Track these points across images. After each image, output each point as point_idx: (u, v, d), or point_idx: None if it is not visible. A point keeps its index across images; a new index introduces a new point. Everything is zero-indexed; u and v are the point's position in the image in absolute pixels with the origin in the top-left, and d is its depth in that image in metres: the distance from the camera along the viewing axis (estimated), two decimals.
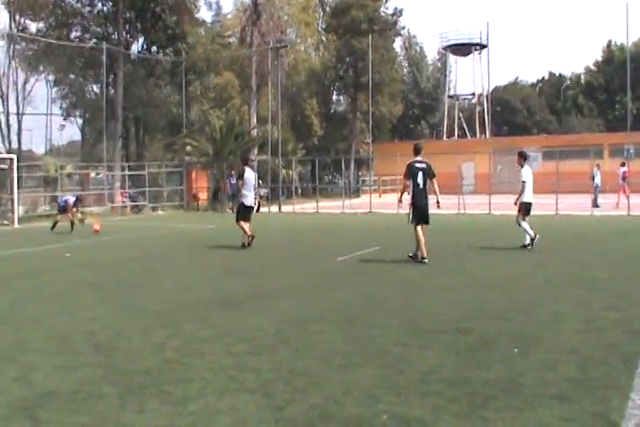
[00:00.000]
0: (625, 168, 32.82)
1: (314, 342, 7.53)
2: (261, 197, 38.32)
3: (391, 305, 9.61)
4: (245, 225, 18.10)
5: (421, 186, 14.36)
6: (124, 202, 38.03)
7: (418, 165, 14.45)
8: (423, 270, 13.14)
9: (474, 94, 71.32)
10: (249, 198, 18.43)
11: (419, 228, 14.25)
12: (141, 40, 44.35)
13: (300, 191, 46.49)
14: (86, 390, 5.94)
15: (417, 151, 14.66)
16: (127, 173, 38.75)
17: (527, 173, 16.54)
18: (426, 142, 60.82)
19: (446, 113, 70.51)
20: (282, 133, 42.57)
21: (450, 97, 72.57)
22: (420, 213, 14.37)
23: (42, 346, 7.58)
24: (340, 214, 32.92)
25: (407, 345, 7.29)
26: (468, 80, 71.55)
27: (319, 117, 56.92)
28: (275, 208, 37.19)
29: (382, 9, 57.77)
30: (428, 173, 14.50)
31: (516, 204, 16.64)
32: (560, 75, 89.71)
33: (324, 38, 60.26)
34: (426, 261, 13.98)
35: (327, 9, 62.33)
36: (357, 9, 53.89)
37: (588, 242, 18.57)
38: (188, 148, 43.17)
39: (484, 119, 65.02)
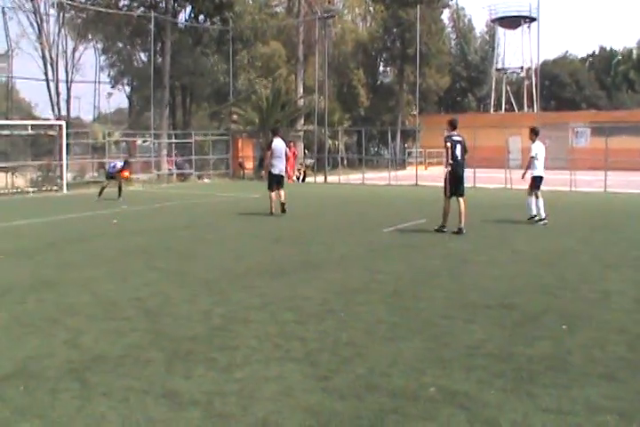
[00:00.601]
0: None
1: (359, 312, 7.56)
2: (307, 167, 38.39)
3: (437, 278, 9.59)
4: (272, 193, 18.74)
5: (460, 158, 14.67)
6: (170, 170, 38.25)
7: (455, 138, 14.68)
8: (469, 244, 13.05)
9: (522, 68, 70.25)
10: (276, 167, 18.93)
11: (451, 199, 14.69)
12: (189, 9, 44.09)
13: (345, 162, 46.32)
14: (134, 355, 6.04)
15: (454, 126, 14.84)
16: (174, 140, 38.88)
17: (537, 147, 16.84)
18: (472, 115, 60.44)
19: (494, 86, 69.60)
20: (328, 104, 42.40)
21: (497, 70, 71.52)
22: (455, 186, 14.72)
23: (89, 311, 7.70)
24: (385, 186, 32.79)
25: (453, 319, 7.28)
26: (517, 53, 70.58)
27: (365, 88, 56.50)
28: (320, 178, 37.17)
29: None
30: (465, 147, 14.86)
31: (523, 178, 16.96)
32: (611, 49, 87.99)
33: (371, 9, 59.61)
34: (445, 229, 14.56)
35: None
36: None
37: (638, 220, 18.24)
38: (235, 116, 43.20)
39: (531, 93, 64.13)
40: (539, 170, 16.83)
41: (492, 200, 23.80)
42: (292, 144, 36.37)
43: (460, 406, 4.90)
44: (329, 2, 51.22)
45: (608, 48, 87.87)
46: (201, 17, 43.99)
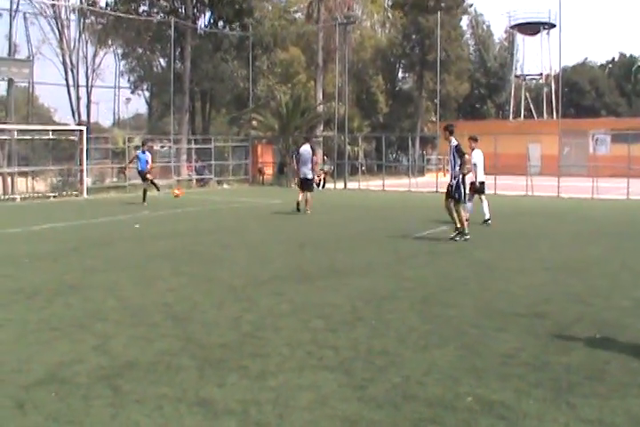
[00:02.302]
0: None
1: (390, 320, 7.47)
2: (326, 173, 38.34)
3: (465, 286, 9.50)
4: (300, 194, 20.64)
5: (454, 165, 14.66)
6: (189, 175, 38.34)
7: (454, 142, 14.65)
8: (494, 252, 12.99)
9: (541, 74, 70.06)
10: (300, 171, 21.07)
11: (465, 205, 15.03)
12: (208, 14, 44.34)
13: (364, 168, 46.27)
14: (165, 362, 5.98)
15: (452, 132, 14.82)
16: (193, 146, 38.99)
17: (477, 155, 17.52)
18: (492, 122, 60.26)
19: (513, 93, 69.37)
20: (347, 110, 42.36)
21: (517, 77, 71.27)
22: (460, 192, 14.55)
23: (116, 316, 7.66)
24: (406, 192, 32.72)
25: (484, 327, 7.19)
26: (536, 60, 70.37)
27: (385, 95, 56.50)
28: (340, 184, 37.12)
29: None
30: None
31: (473, 185, 17.31)
32: (631, 56, 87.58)
33: (390, 15, 59.62)
34: (467, 236, 14.34)
35: None
36: None
37: None
38: (254, 122, 43.22)
39: (551, 100, 63.93)
40: (480, 176, 17.63)
41: (514, 207, 23.67)
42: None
43: (498, 417, 4.80)
44: (348, 8, 51.26)
45: (628, 55, 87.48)
46: (221, 23, 44.19)
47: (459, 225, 14.32)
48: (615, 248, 13.59)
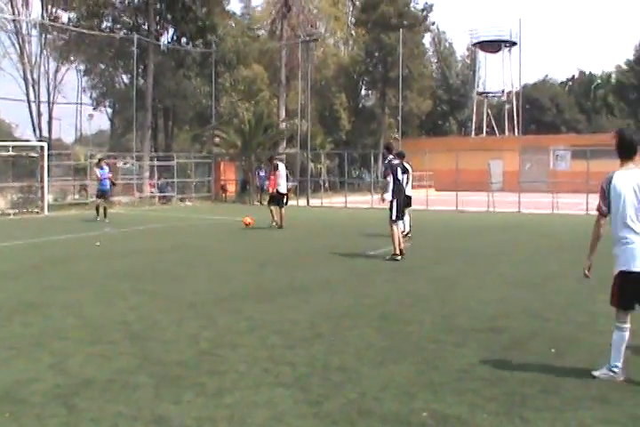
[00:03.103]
0: None
1: (348, 336, 7.51)
2: (289, 191, 38.38)
3: (425, 302, 9.56)
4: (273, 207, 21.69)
5: (400, 181, 14.81)
6: (152, 192, 38.19)
7: (395, 161, 14.95)
8: (455, 268, 13.07)
9: (503, 91, 70.85)
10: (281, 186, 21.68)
11: (399, 223, 14.78)
12: (171, 31, 44.33)
13: (327, 185, 46.40)
14: (122, 380, 5.96)
15: (390, 150, 15.34)
16: (156, 163, 38.86)
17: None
18: (454, 139, 60.76)
19: (475, 110, 70.08)
20: (310, 127, 42.54)
21: (479, 94, 72.03)
22: (399, 209, 14.59)
23: (75, 334, 7.63)
24: (368, 209, 32.86)
25: (442, 343, 7.26)
26: (497, 77, 71.26)
27: (347, 112, 56.73)
28: (302, 202, 37.16)
29: (412, 4, 57.50)
30: (404, 170, 15.49)
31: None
32: (590, 73, 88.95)
33: (353, 32, 60.07)
34: (398, 258, 14.14)
35: (357, 3, 62.09)
36: (387, 4, 53.62)
37: None
38: (217, 139, 43.21)
39: (512, 117, 64.62)
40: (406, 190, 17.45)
41: (475, 223, 23.87)
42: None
43: None
44: (311, 25, 51.56)
45: (587, 72, 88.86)
46: (184, 39, 44.22)
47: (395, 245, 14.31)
48: (573, 263, 13.68)
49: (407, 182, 17.13)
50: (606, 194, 6.11)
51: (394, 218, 14.48)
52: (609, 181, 6.10)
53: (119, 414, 5.15)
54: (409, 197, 17.40)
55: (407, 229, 17.39)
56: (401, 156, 17.66)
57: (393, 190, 14.48)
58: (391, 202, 14.48)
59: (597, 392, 5.64)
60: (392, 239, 14.35)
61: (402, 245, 14.38)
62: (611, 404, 5.39)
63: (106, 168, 25.10)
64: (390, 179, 14.55)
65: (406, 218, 17.26)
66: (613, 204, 6.07)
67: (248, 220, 21.40)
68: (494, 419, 5.07)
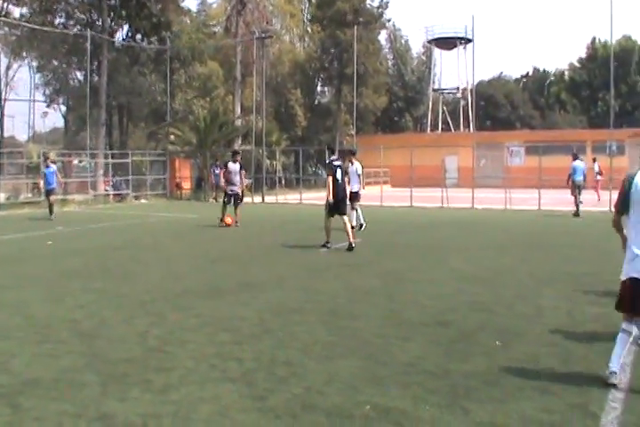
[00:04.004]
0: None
1: (296, 332, 7.56)
2: (245, 187, 38.29)
3: (374, 297, 9.64)
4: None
5: (340, 181, 15.72)
6: (106, 190, 37.83)
7: (336, 162, 15.84)
8: (406, 263, 13.17)
9: (458, 88, 71.40)
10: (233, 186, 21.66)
11: (331, 218, 15.77)
12: (126, 28, 43.96)
13: (283, 182, 46.39)
14: (68, 378, 5.95)
15: (332, 151, 16.36)
16: (110, 160, 38.50)
17: (358, 167, 19.77)
18: (409, 135, 61.08)
19: (430, 106, 70.51)
20: (266, 124, 42.43)
21: (434, 90, 72.52)
22: (335, 206, 15.59)
23: (22, 334, 7.57)
24: (323, 205, 32.87)
25: (389, 337, 7.33)
26: (453, 74, 71.87)
27: (303, 108, 56.69)
28: (258, 198, 37.10)
29: (368, 1, 57.63)
30: (344, 170, 16.27)
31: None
32: (544, 70, 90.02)
33: (308, 29, 60.03)
34: (329, 245, 15.56)
35: (312, 0, 62.14)
36: (343, 1, 53.70)
37: (574, 237, 18.56)
38: (172, 137, 42.97)
39: (467, 113, 65.14)
40: (356, 186, 19.36)
41: (428, 219, 24.05)
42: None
43: (394, 423, 4.94)
44: (267, 22, 51.41)
45: (541, 69, 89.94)
46: (138, 36, 43.87)
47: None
48: (523, 258, 13.94)
49: (357, 180, 19.28)
50: (626, 195, 5.86)
51: (328, 214, 15.77)
52: (629, 182, 5.85)
53: (64, 413, 5.14)
54: (356, 193, 19.10)
55: (355, 222, 18.40)
56: (352, 153, 19.67)
57: (332, 189, 15.46)
58: (327, 200, 15.64)
59: (539, 383, 5.76)
60: (325, 231, 15.75)
61: (330, 237, 15.63)
62: (551, 394, 5.50)
63: (52, 166, 24.85)
64: (330, 179, 15.51)
65: (354, 213, 18.87)
66: (635, 206, 5.82)
67: (229, 220, 21.14)
68: (436, 411, 5.15)
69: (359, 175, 19.68)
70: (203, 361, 6.42)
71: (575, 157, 26.33)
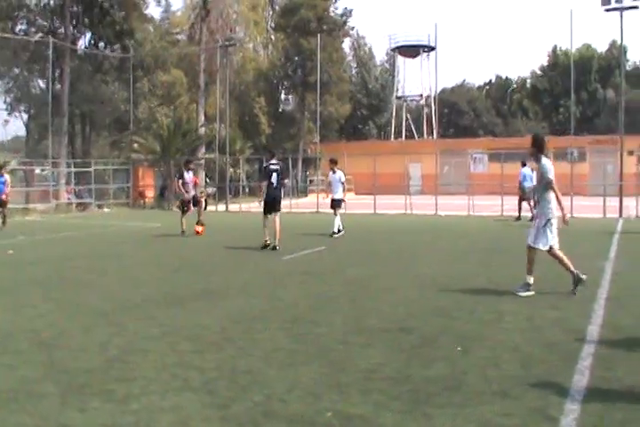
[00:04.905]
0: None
1: (258, 340, 7.54)
2: (208, 196, 38.23)
3: (336, 304, 9.64)
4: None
5: (275, 185, 16.74)
6: (69, 199, 37.54)
7: (272, 166, 16.83)
8: (368, 270, 13.19)
9: (421, 96, 71.82)
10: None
11: (269, 216, 16.81)
12: (88, 35, 43.72)
13: (247, 190, 46.36)
14: (27, 390, 5.86)
15: (272, 156, 17.67)
16: (73, 169, 38.23)
17: (340, 176, 20.52)
18: (373, 143, 61.27)
19: (394, 114, 70.87)
20: (230, 132, 42.42)
21: (398, 98, 72.88)
22: (270, 206, 16.79)
23: None
24: (286, 213, 32.88)
25: (350, 344, 7.34)
26: (416, 81, 72.25)
27: (267, 116, 56.72)
28: (222, 207, 37.02)
29: (331, 9, 57.87)
30: (281, 174, 17.06)
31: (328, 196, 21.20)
32: (506, 78, 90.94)
33: (272, 37, 60.18)
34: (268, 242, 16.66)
35: (276, 8, 62.25)
36: (307, 8, 53.89)
37: None
38: (135, 145, 42.74)
39: (431, 121, 65.58)
40: (338, 193, 20.32)
41: (392, 226, 24.16)
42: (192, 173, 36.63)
43: None
44: (230, 30, 51.45)
45: (504, 77, 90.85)
46: (101, 44, 43.62)
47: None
48: (484, 264, 14.05)
49: (339, 187, 20.37)
50: None
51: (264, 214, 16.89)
52: None
53: (23, 425, 5.07)
54: (338, 200, 20.36)
55: (336, 228, 19.77)
56: (334, 161, 20.75)
57: (266, 192, 16.75)
58: (264, 201, 16.83)
59: (499, 387, 5.80)
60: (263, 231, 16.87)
61: (267, 238, 16.69)
62: (511, 398, 5.55)
63: (6, 176, 24.46)
64: (265, 182, 16.75)
65: (337, 219, 19.96)
66: None
67: (199, 228, 20.98)
68: (397, 417, 5.17)
69: (342, 183, 20.34)
70: (164, 370, 6.39)
71: (524, 164, 26.76)
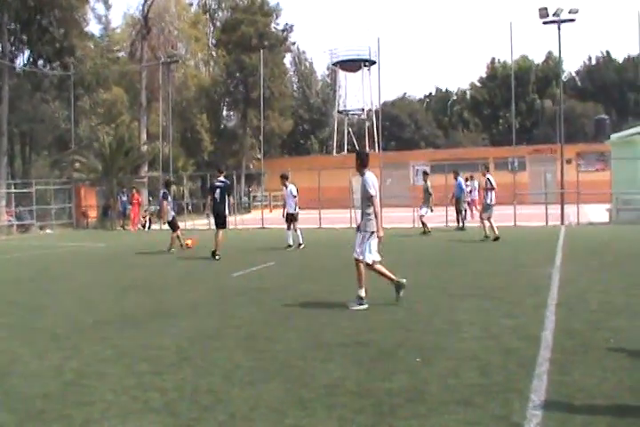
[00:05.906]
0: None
1: (216, 358, 7.47)
2: (152, 215, 37.89)
3: (291, 320, 9.60)
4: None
5: (218, 200, 18.26)
6: (9, 221, 36.86)
7: (217, 183, 18.34)
8: (320, 286, 13.18)
9: (363, 109, 72.29)
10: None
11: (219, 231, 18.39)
12: (27, 53, 43.21)
13: (190, 208, 46.01)
14: None
15: (220, 172, 18.89)
16: (13, 190, 37.57)
17: (293, 190, 21.02)
18: (315, 158, 61.44)
19: (336, 128, 71.16)
20: (172, 149, 42.12)
21: (339, 112, 73.22)
22: (216, 220, 18.53)
23: None
24: (232, 230, 32.73)
25: (310, 359, 7.31)
26: (358, 95, 72.64)
27: (209, 133, 56.54)
28: (166, 225, 36.60)
29: (272, 25, 58.15)
30: (226, 190, 18.47)
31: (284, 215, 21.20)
32: (446, 90, 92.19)
33: (214, 53, 60.09)
34: (217, 257, 17.99)
35: (217, 24, 62.25)
36: (247, 24, 54.02)
37: (482, 252, 18.88)
38: (77, 164, 42.19)
39: (373, 134, 65.99)
40: (292, 207, 20.79)
41: (338, 240, 24.15)
42: (135, 191, 36.43)
43: None
44: (172, 47, 51.26)
45: (444, 89, 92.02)
46: (40, 62, 43.07)
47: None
48: (434, 275, 14.14)
49: (292, 201, 20.77)
50: None
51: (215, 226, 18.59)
52: None
53: None
54: (292, 214, 20.76)
55: (292, 242, 20.61)
56: (285, 177, 21.13)
57: (211, 206, 18.46)
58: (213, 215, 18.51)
59: (461, 396, 5.84)
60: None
61: (215, 247, 18.12)
62: (474, 406, 5.59)
63: None
64: (209, 198, 18.45)
65: (298, 233, 20.65)
66: None
67: (189, 242, 21.13)
68: None
69: (295, 197, 20.80)
70: (123, 393, 6.28)
71: (456, 175, 28.14)
